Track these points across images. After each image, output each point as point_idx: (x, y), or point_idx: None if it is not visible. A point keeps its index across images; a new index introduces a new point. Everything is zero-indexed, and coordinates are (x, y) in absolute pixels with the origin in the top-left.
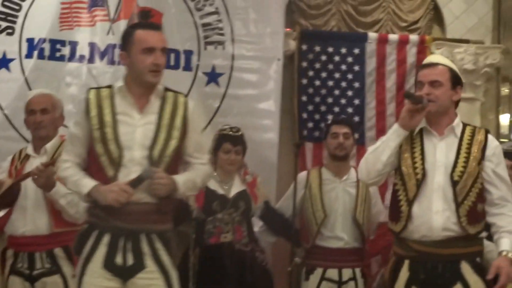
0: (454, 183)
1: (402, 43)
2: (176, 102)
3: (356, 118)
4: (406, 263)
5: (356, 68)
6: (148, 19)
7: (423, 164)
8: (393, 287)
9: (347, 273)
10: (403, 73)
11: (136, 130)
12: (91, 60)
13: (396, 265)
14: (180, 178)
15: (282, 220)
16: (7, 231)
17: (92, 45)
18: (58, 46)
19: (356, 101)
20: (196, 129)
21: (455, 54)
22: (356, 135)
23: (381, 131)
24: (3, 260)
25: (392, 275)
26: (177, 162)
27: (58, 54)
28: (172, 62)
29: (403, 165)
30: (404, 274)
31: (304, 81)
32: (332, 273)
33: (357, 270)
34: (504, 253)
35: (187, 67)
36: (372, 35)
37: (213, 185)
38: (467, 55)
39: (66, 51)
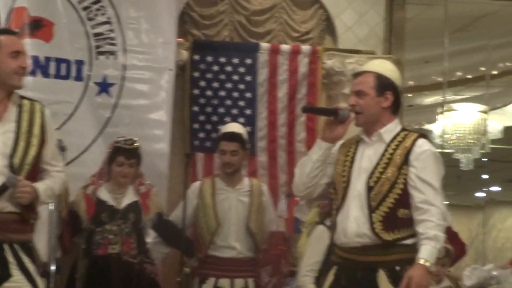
0: (369, 189)
1: (294, 54)
2: (33, 110)
3: (248, 129)
4: (334, 268)
5: (248, 78)
6: (40, 29)
7: (349, 172)
8: None
9: (239, 283)
10: (295, 83)
11: None
12: None
13: (326, 270)
14: (41, 186)
15: (174, 231)
16: None
17: None
18: None
19: (248, 111)
20: (52, 138)
21: (346, 64)
22: (248, 146)
23: (272, 141)
24: None
25: (322, 280)
26: (36, 170)
27: None
28: (63, 72)
29: (335, 174)
30: (329, 278)
31: (196, 91)
32: (225, 283)
33: (250, 281)
34: (420, 261)
35: (78, 77)
36: (264, 45)
37: (104, 195)
38: (358, 65)
39: None
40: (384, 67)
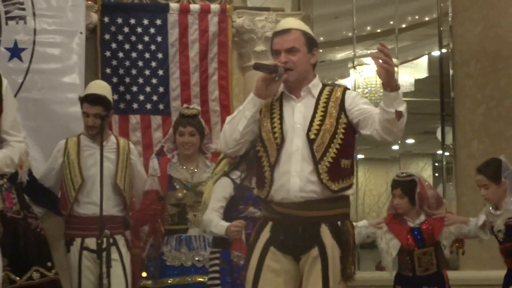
0: (310, 142)
1: (204, 13)
2: None
3: (161, 89)
4: (269, 224)
5: (159, 39)
6: None
7: (281, 128)
8: (254, 247)
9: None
10: (206, 43)
11: None
12: None
13: (260, 226)
14: None
15: (42, 190)
16: None
17: None
18: None
19: (160, 72)
20: (11, 107)
21: (256, 22)
22: (162, 106)
23: (186, 100)
24: None
25: (256, 236)
26: None
27: None
28: None
29: (263, 131)
30: (265, 234)
31: (108, 53)
32: (91, 242)
33: (118, 237)
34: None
35: None
36: (174, 5)
37: None
38: (268, 22)
39: None
40: (303, 25)
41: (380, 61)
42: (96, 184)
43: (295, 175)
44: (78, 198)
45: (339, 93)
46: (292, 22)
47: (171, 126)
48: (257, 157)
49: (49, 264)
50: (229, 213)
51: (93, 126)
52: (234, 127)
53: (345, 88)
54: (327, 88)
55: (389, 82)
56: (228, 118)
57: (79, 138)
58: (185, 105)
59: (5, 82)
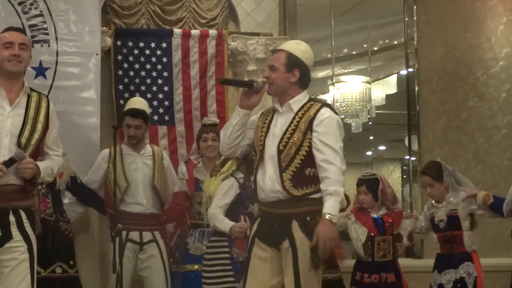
0: (279, 152)
1: (203, 37)
2: (40, 100)
3: (166, 103)
4: (258, 220)
5: (164, 59)
6: None
7: (265, 137)
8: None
9: (147, 235)
10: (205, 63)
11: (7, 120)
12: None
13: (253, 222)
14: (42, 165)
15: (87, 192)
16: None
17: None
18: None
19: (166, 88)
20: (55, 126)
21: (248, 45)
22: (167, 117)
23: (188, 113)
24: None
25: (250, 229)
26: (38, 152)
27: None
28: None
29: (254, 138)
30: (254, 228)
31: (120, 72)
32: (134, 235)
33: (156, 233)
34: (326, 216)
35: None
36: (177, 31)
37: None
38: (258, 45)
39: None
40: (297, 48)
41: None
42: (139, 187)
43: (268, 178)
44: (124, 198)
45: (313, 111)
46: (287, 45)
47: (185, 136)
48: (252, 160)
49: (71, 262)
50: (235, 209)
51: (134, 136)
52: (225, 134)
53: (322, 106)
54: (308, 104)
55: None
56: (224, 127)
57: (121, 147)
58: (205, 118)
59: (51, 104)
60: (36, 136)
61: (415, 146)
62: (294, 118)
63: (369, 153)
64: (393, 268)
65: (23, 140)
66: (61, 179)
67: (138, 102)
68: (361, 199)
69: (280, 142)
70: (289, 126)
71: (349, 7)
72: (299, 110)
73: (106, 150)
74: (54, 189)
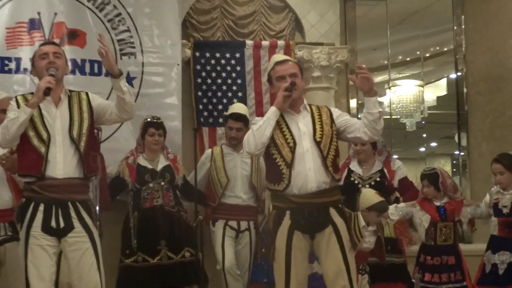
0: (317, 143)
1: (272, 47)
2: (79, 95)
3: None
4: (288, 213)
5: (238, 68)
6: (75, 38)
7: (291, 134)
8: (276, 233)
9: (244, 224)
10: None
11: (56, 120)
12: (32, 72)
13: (278, 216)
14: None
15: (191, 188)
16: None
17: (32, 60)
18: (6, 62)
19: (240, 94)
20: (98, 100)
21: (313, 54)
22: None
23: (259, 115)
24: None
25: (275, 224)
26: (93, 138)
27: (6, 68)
28: (96, 70)
29: (276, 138)
30: (286, 222)
31: (199, 80)
32: (233, 223)
33: (251, 223)
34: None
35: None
36: (249, 42)
37: (143, 162)
38: (322, 54)
39: (12, 65)
40: (294, 59)
41: (362, 72)
42: (238, 182)
43: (310, 170)
44: (225, 193)
45: (326, 109)
46: (285, 56)
47: None
48: (271, 158)
49: (196, 247)
50: None
51: (235, 137)
52: (262, 133)
53: (327, 107)
54: (313, 106)
55: (370, 89)
56: (254, 127)
57: (222, 147)
58: None
59: (90, 94)
60: (86, 125)
61: (464, 142)
62: (313, 116)
63: (422, 149)
64: (453, 252)
65: (74, 134)
66: (178, 175)
67: (239, 108)
68: (425, 191)
69: (314, 135)
70: (314, 122)
71: (403, 17)
72: (311, 110)
73: (209, 151)
74: (173, 184)
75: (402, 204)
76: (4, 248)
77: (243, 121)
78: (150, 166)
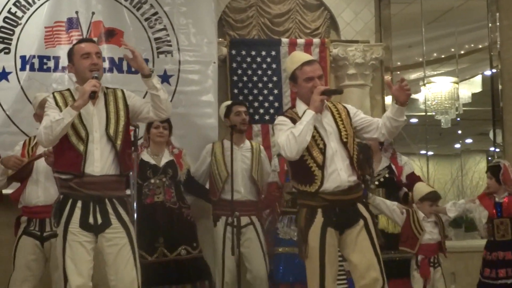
0: (344, 144)
1: (308, 45)
2: (115, 93)
3: (276, 104)
4: (319, 211)
5: (274, 66)
6: (113, 37)
7: (320, 136)
8: (308, 231)
9: (244, 219)
10: None
11: (93, 118)
12: (67, 67)
13: (310, 214)
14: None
15: (194, 183)
16: (22, 202)
17: (70, 56)
18: (45, 60)
19: (275, 91)
20: (134, 98)
21: (348, 52)
22: (277, 116)
23: None
24: (17, 225)
25: (307, 222)
26: (129, 135)
27: (45, 67)
28: (133, 69)
29: (309, 142)
30: (319, 219)
31: (235, 78)
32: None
33: (253, 217)
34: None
35: None
36: (285, 40)
37: (146, 157)
38: (357, 52)
39: (51, 64)
40: None
41: (405, 86)
42: (238, 176)
43: (343, 169)
44: (224, 187)
45: (342, 107)
46: (309, 55)
47: None
48: (300, 160)
49: (194, 244)
50: None
51: (245, 120)
52: (303, 139)
53: (342, 104)
54: (330, 104)
55: (406, 101)
56: (295, 132)
57: (222, 142)
58: None
59: (125, 91)
60: (122, 123)
61: (499, 139)
62: (333, 116)
63: (457, 145)
64: (510, 247)
65: (111, 131)
66: (181, 171)
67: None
68: (487, 183)
69: (340, 136)
70: (337, 122)
71: (438, 15)
72: (330, 110)
73: (209, 145)
74: (176, 181)
75: (461, 201)
76: (49, 244)
77: (245, 105)
78: (152, 162)
